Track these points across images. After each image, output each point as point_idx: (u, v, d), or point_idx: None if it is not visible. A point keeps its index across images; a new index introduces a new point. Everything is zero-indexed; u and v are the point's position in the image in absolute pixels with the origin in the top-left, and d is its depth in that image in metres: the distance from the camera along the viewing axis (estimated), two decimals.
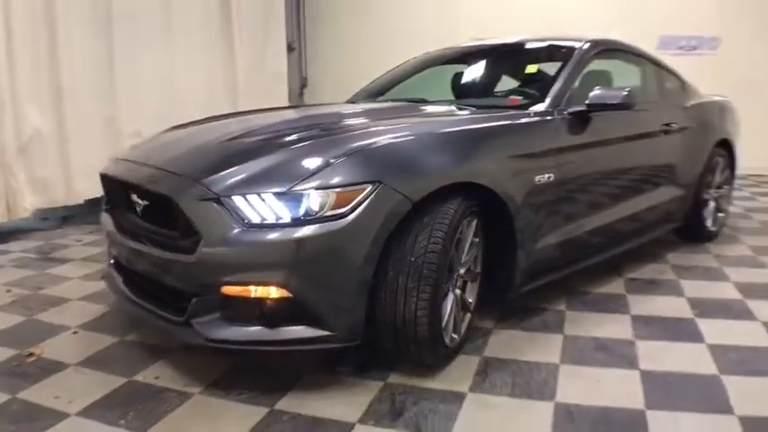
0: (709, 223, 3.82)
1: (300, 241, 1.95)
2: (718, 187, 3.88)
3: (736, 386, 2.12)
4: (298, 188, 1.98)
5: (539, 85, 2.98)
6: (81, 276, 3.47)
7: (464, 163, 2.28)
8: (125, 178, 2.43)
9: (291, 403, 2.08)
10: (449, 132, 2.37)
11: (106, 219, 2.70)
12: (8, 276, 3.45)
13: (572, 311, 2.81)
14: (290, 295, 1.98)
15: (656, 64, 3.60)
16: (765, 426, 1.89)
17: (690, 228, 3.70)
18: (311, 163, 2.06)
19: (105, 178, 2.69)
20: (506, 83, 3.50)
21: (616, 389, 2.14)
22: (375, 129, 2.37)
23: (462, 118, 2.63)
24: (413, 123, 2.54)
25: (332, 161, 2.04)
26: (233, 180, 2.04)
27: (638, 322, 2.68)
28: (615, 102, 2.69)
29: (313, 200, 1.97)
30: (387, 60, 7.86)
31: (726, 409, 1.99)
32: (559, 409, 2.01)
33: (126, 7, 4.85)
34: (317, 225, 1.96)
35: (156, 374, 2.29)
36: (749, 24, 6.38)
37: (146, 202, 2.31)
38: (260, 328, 2.05)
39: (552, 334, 2.58)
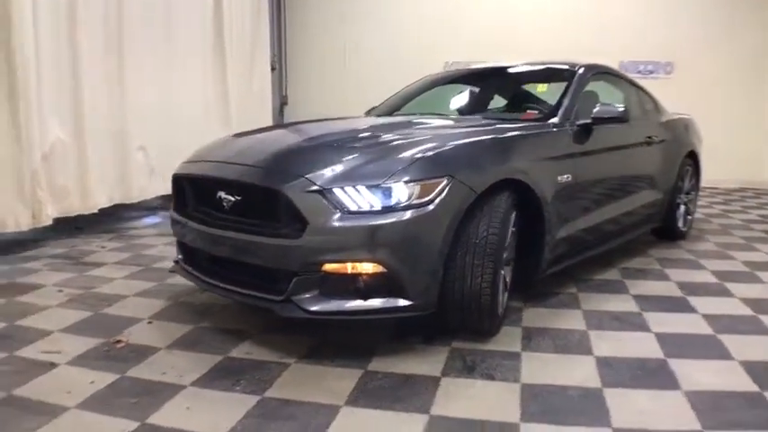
0: (680, 224, 4.45)
1: (395, 225, 2.34)
2: (687, 193, 4.51)
3: (729, 342, 2.65)
4: (390, 182, 2.38)
5: (547, 101, 3.53)
6: (124, 277, 3.67)
7: (510, 163, 2.75)
8: (220, 176, 2.72)
9: (380, 365, 2.45)
10: (497, 138, 2.85)
11: (177, 216, 2.99)
12: (52, 278, 3.60)
13: (582, 293, 3.30)
14: (385, 270, 2.36)
15: (635, 85, 4.24)
16: (762, 368, 2.42)
17: (665, 228, 4.30)
18: (398, 161, 2.47)
19: (184, 179, 2.98)
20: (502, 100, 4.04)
21: (637, 346, 2.63)
22: (439, 134, 2.82)
23: (503, 127, 3.09)
24: (465, 131, 2.97)
25: (415, 160, 2.46)
26: (332, 175, 2.42)
27: (639, 300, 3.20)
28: (615, 116, 3.25)
29: (402, 191, 2.38)
30: (364, 81, 8.44)
31: (727, 356, 2.52)
32: (599, 361, 2.48)
33: (133, 28, 5.09)
34: (407, 212, 2.36)
35: (247, 351, 2.59)
36: (698, 52, 7.30)
37: (238, 197, 2.62)
38: (355, 300, 2.42)
39: (572, 309, 3.06)
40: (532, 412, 2.08)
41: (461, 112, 3.89)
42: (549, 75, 3.93)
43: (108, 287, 3.47)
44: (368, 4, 8.50)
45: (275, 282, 2.53)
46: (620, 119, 3.27)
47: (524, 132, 3.02)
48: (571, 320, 2.91)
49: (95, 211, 4.77)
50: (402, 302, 2.42)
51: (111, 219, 5.26)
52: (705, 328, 2.82)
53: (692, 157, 4.51)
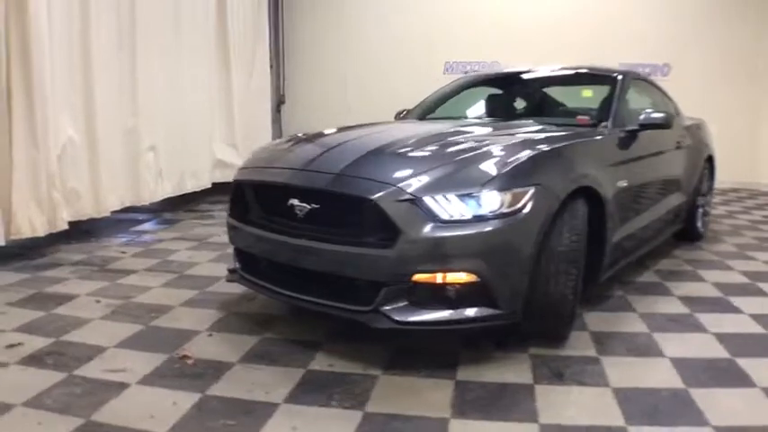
0: (699, 225, 4.60)
1: (489, 234, 2.34)
2: (704, 195, 4.68)
3: None
4: (484, 190, 2.37)
5: (590, 106, 3.59)
6: (161, 285, 3.52)
7: (585, 170, 2.78)
8: (296, 183, 2.64)
9: (468, 374, 2.43)
10: (573, 145, 2.89)
11: (237, 223, 2.89)
12: (83, 288, 3.43)
13: (630, 296, 3.37)
14: (478, 279, 2.35)
15: (661, 91, 4.35)
16: None
17: (685, 229, 4.44)
18: (489, 169, 2.47)
19: (247, 185, 2.88)
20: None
21: (701, 346, 2.71)
22: (518, 141, 2.83)
23: (572, 133, 3.12)
24: (540, 138, 2.96)
25: (506, 168, 2.46)
26: (423, 184, 2.39)
27: (685, 301, 3.30)
28: (660, 122, 3.33)
29: (495, 200, 2.37)
30: (362, 79, 8.36)
31: None
32: (673, 362, 2.54)
33: (145, 24, 4.89)
34: (500, 220, 2.36)
35: (329, 362, 2.53)
36: (694, 54, 7.52)
37: (315, 205, 2.55)
38: (445, 310, 2.40)
39: (628, 312, 3.13)
40: (634, 415, 2.11)
41: (507, 116, 3.88)
42: (589, 80, 3.99)
43: (148, 296, 3.33)
44: (367, 3, 8.42)
45: (358, 291, 2.48)
46: (665, 125, 3.36)
47: (591, 139, 3.06)
48: (632, 323, 2.97)
49: (107, 214, 4.57)
50: (492, 311, 2.42)
51: (110, 222, 5.02)
52: (757, 328, 2.92)
53: (709, 160, 4.67)
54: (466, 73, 8.39)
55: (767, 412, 2.15)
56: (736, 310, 3.16)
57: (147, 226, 5.08)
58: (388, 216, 2.34)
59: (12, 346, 2.61)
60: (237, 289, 3.43)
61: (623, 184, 3.08)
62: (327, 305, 2.55)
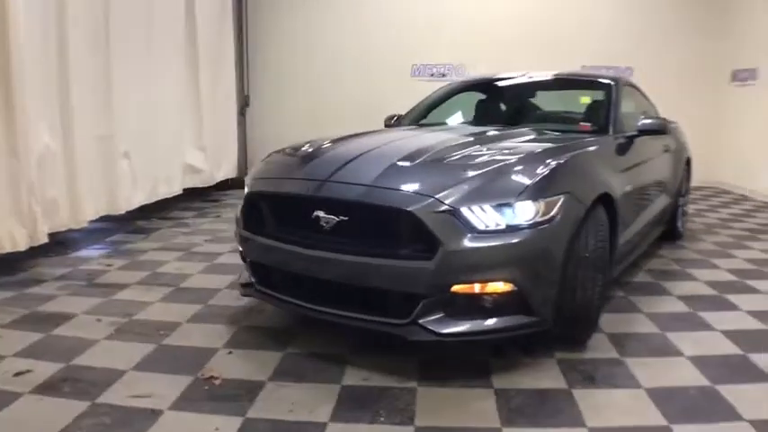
0: (679, 224, 4.80)
1: (525, 243, 2.36)
2: (683, 195, 4.88)
3: None
4: (519, 200, 2.39)
5: (590, 112, 3.68)
6: (159, 300, 3.37)
7: (604, 177, 2.85)
8: (322, 195, 2.57)
9: (504, 382, 2.45)
10: (590, 152, 2.95)
11: (251, 236, 2.80)
12: (78, 305, 3.23)
13: (631, 296, 3.47)
14: (516, 288, 2.37)
15: (644, 95, 4.50)
16: None
17: (668, 229, 4.61)
18: (521, 179, 2.49)
19: (264, 196, 2.79)
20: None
21: (714, 343, 2.83)
22: (542, 150, 2.87)
23: (585, 141, 3.18)
24: (559, 147, 2.98)
25: (539, 178, 2.48)
26: (460, 194, 2.38)
27: (685, 300, 3.42)
28: (657, 128, 3.45)
29: (530, 209, 2.39)
30: (329, 82, 8.24)
31: None
32: (693, 360, 2.64)
33: (118, 28, 4.67)
34: (534, 229, 2.39)
35: (363, 377, 2.49)
36: (656, 57, 7.76)
37: (343, 218, 2.49)
38: (483, 320, 2.40)
39: (635, 313, 3.22)
40: (673, 414, 2.19)
41: (508, 122, 3.89)
42: (583, 86, 4.09)
43: (150, 313, 3.18)
44: (332, 6, 8.31)
45: (392, 304, 2.45)
46: (662, 131, 3.48)
47: (603, 146, 3.14)
48: (642, 324, 3.07)
49: (85, 224, 4.33)
50: (528, 319, 2.45)
51: (83, 233, 4.73)
52: (758, 324, 3.08)
53: (688, 162, 4.88)
54: (432, 75, 8.47)
55: None
56: (735, 308, 3.32)
57: (123, 236, 4.84)
58: (426, 228, 2.32)
59: (20, 373, 2.43)
60: (240, 302, 3.34)
61: (628, 188, 3.18)
62: (360, 319, 2.51)
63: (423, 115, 4.32)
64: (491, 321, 2.41)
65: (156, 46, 5.31)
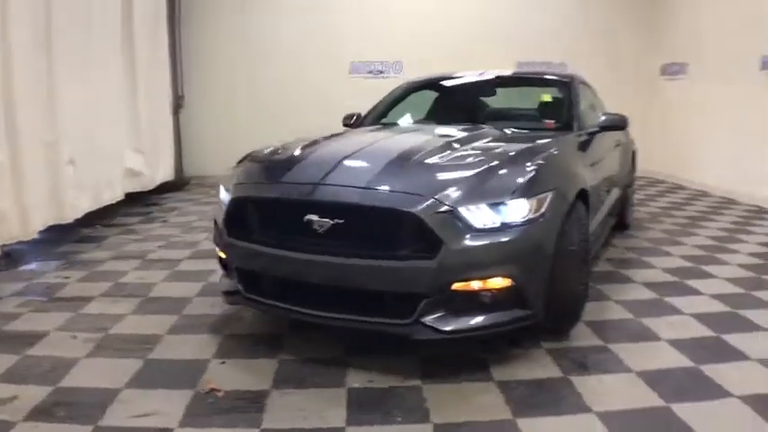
0: (628, 215, 5.07)
1: (521, 239, 2.45)
2: (630, 187, 5.15)
3: (751, 315, 3.15)
4: (513, 198, 2.47)
5: (552, 109, 3.83)
6: (132, 312, 3.21)
7: (580, 172, 2.98)
8: (316, 198, 2.55)
9: (502, 374, 2.53)
10: (567, 149, 3.08)
11: (238, 243, 2.73)
12: (47, 322, 3.03)
13: (598, 285, 3.62)
14: (513, 283, 2.45)
15: (594, 93, 4.72)
16: None
17: (619, 220, 4.84)
18: (513, 178, 2.57)
19: (251, 201, 2.72)
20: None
21: (687, 327, 3.02)
22: (524, 148, 2.94)
23: (560, 138, 3.30)
24: (542, 144, 3.07)
25: (530, 176, 2.57)
26: (458, 195, 2.43)
27: (649, 287, 3.63)
28: (619, 123, 3.64)
29: (524, 206, 2.48)
30: (266, 80, 8.07)
31: (757, 327, 3.01)
32: (671, 343, 2.82)
33: (60, 30, 4.37)
34: (528, 225, 2.48)
35: (367, 378, 2.50)
36: (587, 53, 8.07)
37: (339, 221, 2.47)
38: (482, 315, 2.47)
39: (606, 301, 3.38)
40: (668, 395, 2.34)
41: (474, 120, 3.94)
42: (541, 83, 4.25)
43: (125, 326, 3.03)
44: (269, 3, 8.11)
45: (391, 304, 2.47)
46: (622, 126, 3.68)
47: (576, 142, 3.28)
48: (616, 311, 3.24)
49: (35, 236, 4.05)
50: (523, 313, 2.54)
51: (28, 244, 4.40)
52: (723, 307, 3.31)
53: (633, 155, 5.18)
54: (370, 73, 8.50)
55: None
56: (698, 292, 3.56)
57: (72, 246, 4.56)
58: (428, 228, 2.35)
59: (6, 400, 2.25)
60: (216, 311, 3.26)
61: (594, 183, 3.34)
62: (361, 321, 2.51)
63: (383, 114, 4.34)
64: (489, 316, 2.48)
65: (95, 46, 5.04)
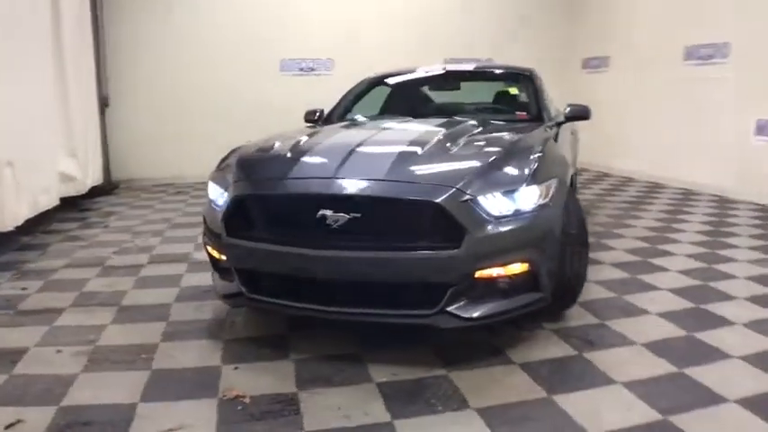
0: None
1: (535, 224, 2.52)
2: (577, 174, 5.41)
3: (716, 309, 3.20)
4: (526, 185, 2.53)
5: (519, 102, 3.96)
6: (111, 322, 2.99)
7: (570, 160, 3.10)
8: (334, 192, 2.50)
9: (519, 356, 2.61)
10: (556, 140, 3.18)
11: (242, 242, 2.61)
12: (23, 338, 2.76)
13: None
14: (529, 268, 2.52)
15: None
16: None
17: None
18: (523, 166, 2.63)
19: (258, 199, 2.61)
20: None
21: (669, 300, 3.24)
22: (521, 138, 3.01)
23: (542, 129, 3.39)
24: (536, 135, 3.15)
25: (534, 165, 2.64)
26: (477, 184, 2.46)
27: (619, 267, 3.83)
28: (583, 113, 3.82)
29: (535, 193, 2.55)
30: (193, 78, 7.70)
31: (727, 323, 3.10)
32: (660, 316, 3.02)
33: None
34: (540, 211, 2.55)
35: (391, 372, 2.47)
36: (512, 46, 8.29)
37: (356, 214, 2.42)
38: (501, 300, 2.52)
39: (588, 283, 3.25)
40: (678, 361, 2.52)
41: (441, 113, 3.95)
42: (505, 77, 4.36)
43: (111, 338, 2.80)
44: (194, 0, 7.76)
45: (414, 295, 2.47)
46: (586, 116, 3.86)
47: (557, 132, 3.40)
48: (597, 291, 3.40)
49: None
50: (537, 296, 2.60)
51: None
52: (692, 281, 3.56)
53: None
54: (302, 70, 8.36)
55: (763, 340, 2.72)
56: (664, 269, 3.81)
57: (14, 255, 4.13)
58: (453, 217, 2.37)
59: (10, 426, 2.02)
60: (203, 315, 3.12)
61: (573, 171, 3.51)
62: (385, 314, 2.48)
63: (349, 109, 4.29)
64: (508, 301, 2.52)
65: (25, 47, 4.59)
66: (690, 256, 4.10)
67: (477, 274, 2.44)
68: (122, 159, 7.60)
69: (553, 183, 2.66)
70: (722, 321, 2.95)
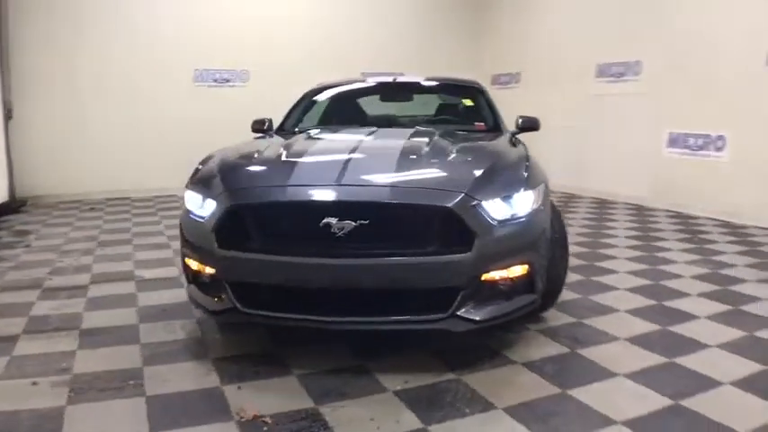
0: None
1: (533, 227, 2.63)
2: None
3: (689, 306, 3.65)
4: (522, 190, 2.62)
5: (474, 113, 4.10)
6: (78, 348, 2.74)
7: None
8: (343, 199, 2.44)
9: (518, 356, 2.71)
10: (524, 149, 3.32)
11: (238, 254, 2.48)
12: None
13: None
14: (529, 270, 2.61)
15: None
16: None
17: None
18: (518, 173, 2.74)
19: (252, 209, 2.50)
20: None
21: (630, 299, 3.47)
22: (506, 147, 3.14)
23: (511, 138, 3.55)
24: (516, 144, 3.31)
25: (527, 171, 2.76)
26: (482, 189, 2.51)
27: (573, 271, 3.86)
28: (534, 125, 4.01)
29: (530, 197, 2.65)
30: (104, 88, 7.20)
31: (692, 317, 3.55)
32: (630, 313, 3.23)
33: None
34: (538, 215, 2.66)
35: (403, 379, 2.45)
36: (421, 66, 8.16)
37: (363, 221, 2.36)
38: (503, 303, 2.57)
39: None
40: (664, 352, 2.71)
41: (396, 125, 3.96)
42: (455, 90, 4.50)
43: (85, 365, 2.55)
44: (108, 7, 7.21)
45: (422, 301, 2.47)
46: (536, 127, 4.06)
47: (519, 141, 3.53)
48: (564, 294, 3.37)
49: None
50: (532, 297, 2.68)
51: None
52: (643, 281, 3.84)
53: None
54: (216, 81, 8.11)
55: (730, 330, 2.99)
56: (613, 271, 4.10)
57: None
58: (463, 222, 2.40)
59: None
60: (177, 335, 2.95)
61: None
62: (396, 321, 2.45)
63: (300, 119, 4.19)
64: (508, 303, 2.58)
65: None
66: (631, 258, 4.43)
67: (484, 276, 2.48)
68: (28, 174, 6.92)
69: (542, 188, 2.79)
70: (687, 316, 3.21)
